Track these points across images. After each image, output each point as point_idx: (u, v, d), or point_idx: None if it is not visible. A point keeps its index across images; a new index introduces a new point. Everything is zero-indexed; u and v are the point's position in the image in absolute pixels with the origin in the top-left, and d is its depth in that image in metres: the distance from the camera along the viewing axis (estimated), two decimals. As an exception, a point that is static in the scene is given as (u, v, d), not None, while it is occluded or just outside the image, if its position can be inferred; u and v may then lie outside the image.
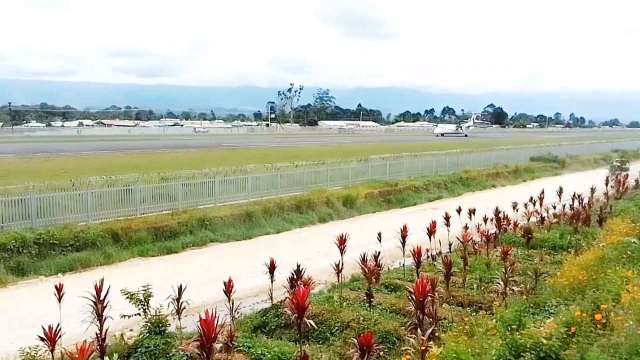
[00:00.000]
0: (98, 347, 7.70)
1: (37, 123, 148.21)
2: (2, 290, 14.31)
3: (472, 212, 16.90)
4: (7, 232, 16.31)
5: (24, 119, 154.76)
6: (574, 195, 21.16)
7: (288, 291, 10.07)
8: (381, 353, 8.03)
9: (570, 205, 20.13)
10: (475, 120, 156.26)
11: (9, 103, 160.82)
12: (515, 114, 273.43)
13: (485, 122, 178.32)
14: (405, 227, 13.18)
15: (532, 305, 9.66)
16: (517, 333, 6.39)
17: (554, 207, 20.17)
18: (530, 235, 15.80)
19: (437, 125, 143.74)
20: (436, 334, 7.73)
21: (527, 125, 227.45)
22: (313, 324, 7.21)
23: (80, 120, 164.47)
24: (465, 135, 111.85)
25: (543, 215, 18.90)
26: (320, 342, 9.37)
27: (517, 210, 18.84)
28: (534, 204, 20.27)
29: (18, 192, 18.01)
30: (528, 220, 18.61)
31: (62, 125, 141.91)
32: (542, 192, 20.97)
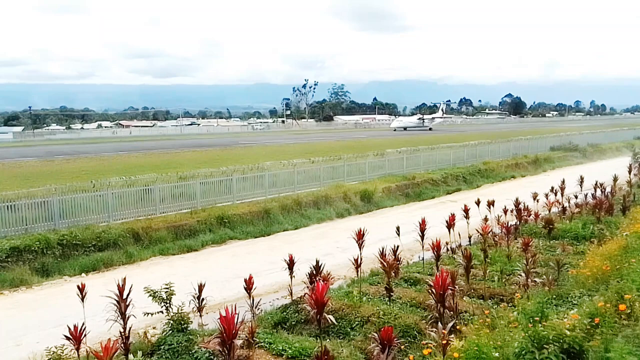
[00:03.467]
0: (122, 345, 7.81)
1: (57, 126, 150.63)
2: (27, 291, 14.65)
3: (491, 203, 16.72)
4: (31, 234, 16.66)
5: (44, 123, 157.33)
6: (596, 184, 20.77)
7: (307, 287, 10.09)
8: (402, 347, 8.02)
9: (592, 195, 19.77)
10: (445, 112, 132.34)
11: (30, 107, 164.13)
12: (534, 103, 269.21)
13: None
14: (423, 221, 13.10)
15: (554, 296, 9.53)
16: (540, 325, 6.29)
17: (576, 197, 19.83)
18: (551, 226, 15.55)
19: (396, 118, 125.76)
20: (457, 327, 7.67)
21: (547, 115, 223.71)
22: (333, 319, 7.21)
23: (99, 122, 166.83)
24: (430, 129, 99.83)
25: (564, 206, 18.59)
26: (341, 337, 9.38)
27: (537, 201, 18.59)
28: (555, 194, 19.94)
29: (41, 194, 18.37)
30: (549, 210, 18.33)
31: (82, 128, 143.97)
32: (563, 182, 20.62)
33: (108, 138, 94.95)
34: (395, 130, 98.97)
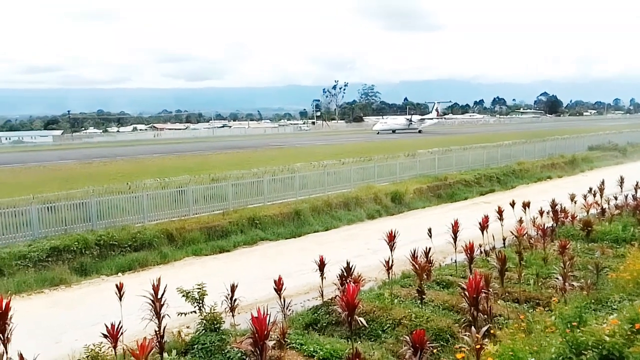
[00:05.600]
0: (157, 343, 7.97)
1: (94, 129, 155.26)
2: (67, 290, 15.13)
3: (526, 205, 16.32)
4: (70, 235, 17.21)
5: (82, 126, 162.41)
6: (637, 185, 20.03)
7: (338, 288, 10.07)
8: (434, 351, 7.91)
9: (633, 196, 19.07)
10: (439, 111, 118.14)
11: (68, 111, 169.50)
12: (571, 101, 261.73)
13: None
14: (456, 222, 12.90)
15: (593, 301, 9.24)
16: (578, 330, 6.12)
17: (616, 198, 19.18)
18: (590, 228, 15.05)
19: (382, 119, 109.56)
20: (491, 332, 7.52)
21: (584, 113, 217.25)
22: (364, 321, 7.18)
23: (135, 125, 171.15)
24: (419, 132, 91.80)
25: (604, 207, 17.99)
26: (372, 340, 9.33)
27: (575, 202, 18.05)
28: (594, 195, 19.33)
29: (79, 196, 18.95)
30: (587, 212, 17.76)
31: (118, 131, 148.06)
32: (602, 183, 19.97)
33: (144, 140, 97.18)
34: (378, 133, 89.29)
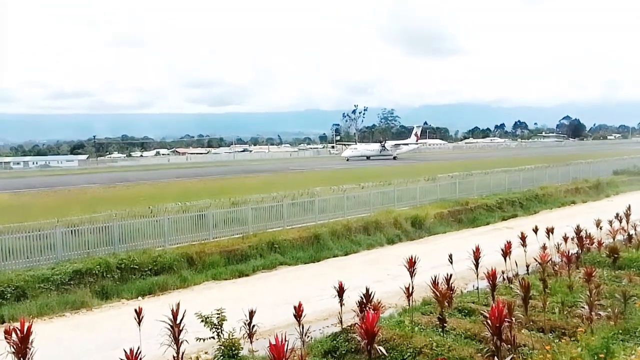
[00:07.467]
0: (175, 369, 7.95)
1: (118, 154, 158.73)
2: (88, 313, 15.24)
3: (550, 230, 15.99)
4: (92, 258, 17.41)
5: (106, 150, 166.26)
6: (665, 211, 19.52)
7: (358, 315, 9.94)
8: (456, 381, 7.71)
9: (661, 222, 18.56)
10: (419, 136, 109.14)
11: (94, 136, 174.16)
12: (594, 125, 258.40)
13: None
14: (477, 248, 12.70)
15: (620, 331, 8.94)
16: (606, 362, 5.92)
17: (643, 224, 18.66)
18: (616, 255, 14.66)
19: (351, 145, 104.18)
20: (515, 362, 7.31)
21: (608, 137, 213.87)
22: (383, 350, 7.07)
23: (157, 150, 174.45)
24: (394, 158, 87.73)
25: (630, 233, 17.54)
26: (392, 368, 9.14)
27: (600, 228, 17.62)
28: (620, 221, 18.84)
29: (102, 219, 19.25)
30: (613, 238, 17.30)
31: (141, 155, 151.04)
32: (629, 208, 19.48)
33: (166, 165, 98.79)
34: (348, 160, 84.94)
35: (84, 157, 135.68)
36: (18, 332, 6.30)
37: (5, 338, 6.59)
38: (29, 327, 6.30)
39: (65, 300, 15.43)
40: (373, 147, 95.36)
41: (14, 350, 6.35)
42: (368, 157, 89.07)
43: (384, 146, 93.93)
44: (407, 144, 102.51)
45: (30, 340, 6.31)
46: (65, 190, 40.73)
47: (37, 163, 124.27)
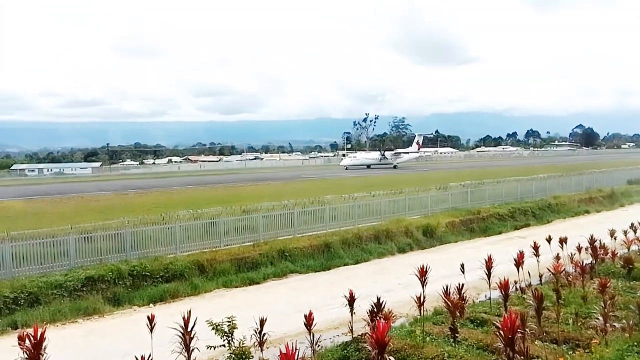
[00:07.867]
0: (185, 377, 7.95)
1: (131, 161, 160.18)
2: (99, 319, 15.34)
3: (563, 240, 15.80)
4: (105, 265, 17.55)
5: (119, 158, 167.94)
6: (681, 221, 19.21)
7: (368, 324, 9.89)
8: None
9: (677, 232, 18.27)
10: (420, 144, 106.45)
11: (107, 144, 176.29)
12: (608, 134, 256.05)
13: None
14: (490, 258, 12.57)
15: (636, 343, 8.78)
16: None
17: (658, 234, 18.38)
18: (631, 266, 14.47)
19: (351, 154, 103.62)
20: (528, 374, 7.23)
21: (622, 146, 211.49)
22: (395, 360, 7.01)
23: (170, 158, 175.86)
24: (395, 167, 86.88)
25: (646, 243, 17.28)
26: (403, 379, 9.07)
27: (615, 238, 17.39)
28: (635, 231, 18.58)
29: (115, 226, 19.41)
30: (628, 249, 17.07)
31: (154, 163, 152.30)
32: (644, 218, 19.24)
33: (177, 172, 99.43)
34: (347, 169, 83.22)
35: (97, 164, 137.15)
36: (31, 338, 6.35)
37: (19, 344, 6.65)
38: (42, 334, 6.35)
39: (78, 306, 15.55)
40: (373, 156, 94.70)
41: (27, 357, 6.39)
42: (368, 166, 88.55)
43: (383, 155, 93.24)
44: (407, 153, 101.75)
45: (43, 347, 6.36)
46: (78, 198, 41.18)
47: (51, 170, 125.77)
